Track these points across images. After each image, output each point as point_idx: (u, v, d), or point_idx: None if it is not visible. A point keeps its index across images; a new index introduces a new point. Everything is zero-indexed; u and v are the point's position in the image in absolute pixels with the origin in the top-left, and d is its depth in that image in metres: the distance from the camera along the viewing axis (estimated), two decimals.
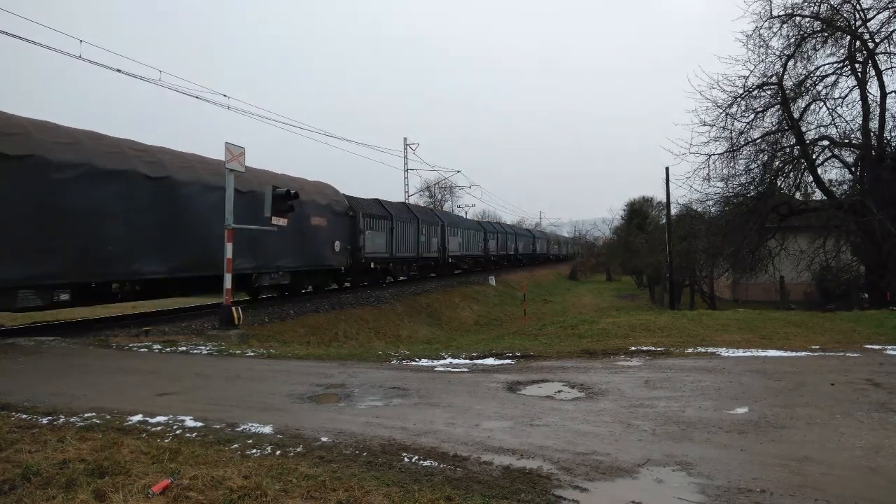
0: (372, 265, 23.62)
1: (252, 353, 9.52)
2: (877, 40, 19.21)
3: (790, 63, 19.91)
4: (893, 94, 19.89)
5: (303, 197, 16.30)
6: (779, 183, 21.41)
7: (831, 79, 20.23)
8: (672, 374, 7.20)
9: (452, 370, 7.81)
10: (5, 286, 10.11)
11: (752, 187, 21.05)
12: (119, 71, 16.02)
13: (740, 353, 8.92)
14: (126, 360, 8.66)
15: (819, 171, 21.18)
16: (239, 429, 4.76)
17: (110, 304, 13.59)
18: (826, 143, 20.84)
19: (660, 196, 47.33)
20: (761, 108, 20.45)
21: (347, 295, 21.84)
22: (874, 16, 19.08)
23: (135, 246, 12.28)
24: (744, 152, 20.85)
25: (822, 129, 21.02)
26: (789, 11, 19.59)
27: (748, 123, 20.48)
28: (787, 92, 19.95)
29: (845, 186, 21.66)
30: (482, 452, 4.17)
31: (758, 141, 20.77)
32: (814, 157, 20.85)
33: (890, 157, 19.53)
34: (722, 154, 20.76)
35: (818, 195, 22.87)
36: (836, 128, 20.69)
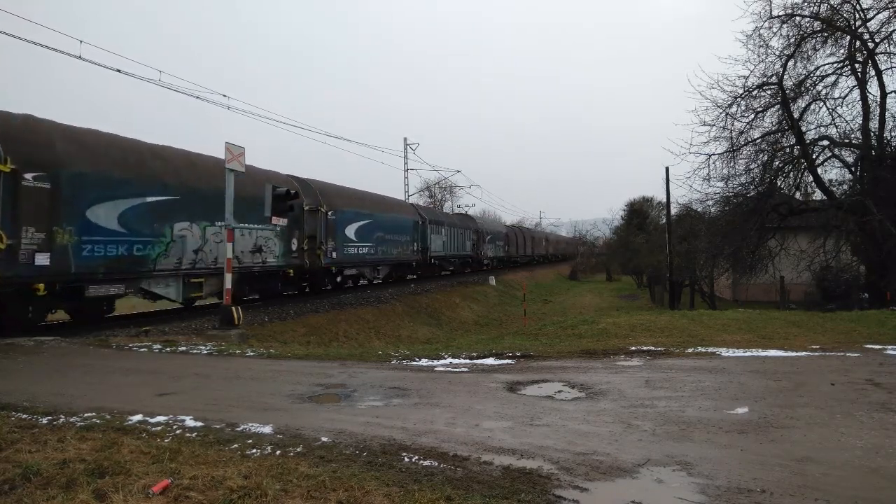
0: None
1: (252, 353, 9.52)
2: (877, 40, 19.22)
3: (790, 63, 19.93)
4: (893, 94, 19.94)
5: None
6: (779, 183, 21.43)
7: (831, 79, 20.28)
8: (672, 374, 7.19)
9: (452, 370, 7.81)
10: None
11: (752, 187, 21.06)
12: (119, 71, 16.00)
13: (740, 353, 8.91)
14: (126, 360, 8.66)
15: (819, 171, 21.22)
16: (239, 429, 4.76)
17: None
18: (826, 143, 20.86)
19: (660, 196, 47.36)
20: (761, 108, 20.47)
21: (348, 295, 21.85)
22: (874, 16, 19.12)
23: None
24: (744, 152, 20.89)
25: (822, 129, 21.07)
26: (789, 11, 19.62)
27: (748, 123, 20.52)
28: (787, 92, 19.95)
29: (845, 186, 21.68)
30: (482, 452, 4.16)
31: (758, 141, 20.79)
32: (814, 157, 20.86)
33: (890, 157, 19.54)
34: (722, 154, 20.80)
35: (818, 195, 22.89)
36: (836, 128, 20.74)
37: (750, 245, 21.05)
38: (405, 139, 44.87)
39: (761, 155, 20.96)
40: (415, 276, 30.58)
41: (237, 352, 9.66)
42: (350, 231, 21.60)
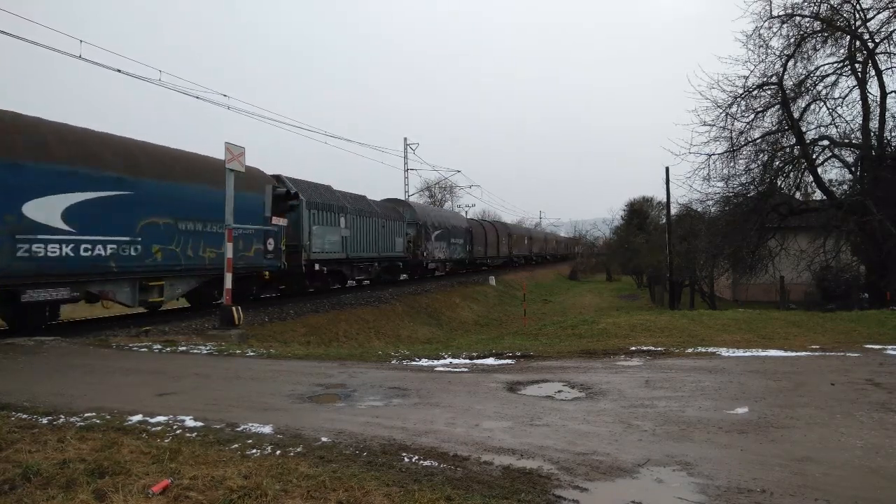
0: None
1: (252, 353, 9.52)
2: (877, 40, 19.22)
3: (790, 63, 19.93)
4: (893, 94, 19.94)
5: None
6: (779, 183, 21.43)
7: (831, 79, 20.28)
8: (672, 374, 7.19)
9: (452, 370, 7.81)
10: None
11: (752, 187, 21.06)
12: (119, 71, 16.01)
13: (740, 353, 8.91)
14: (126, 360, 8.66)
15: (819, 171, 21.21)
16: (239, 429, 4.76)
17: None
18: (826, 143, 20.86)
19: (660, 196, 47.32)
20: (761, 108, 20.47)
21: (348, 295, 21.85)
22: (874, 16, 19.12)
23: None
24: (744, 152, 20.90)
25: (822, 129, 21.07)
26: (789, 11, 19.61)
27: (748, 123, 20.52)
28: (787, 92, 19.95)
29: (845, 186, 21.67)
30: (482, 452, 4.16)
31: (758, 141, 20.80)
32: (814, 157, 20.86)
33: (890, 157, 19.54)
34: (722, 154, 20.80)
35: (818, 195, 22.89)
36: (836, 128, 20.75)
37: (750, 245, 21.04)
38: (405, 139, 44.80)
39: (761, 155, 20.97)
40: (275, 295, 19.14)
41: (237, 352, 9.66)
42: (49, 209, 11.06)
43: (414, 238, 28.57)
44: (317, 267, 19.75)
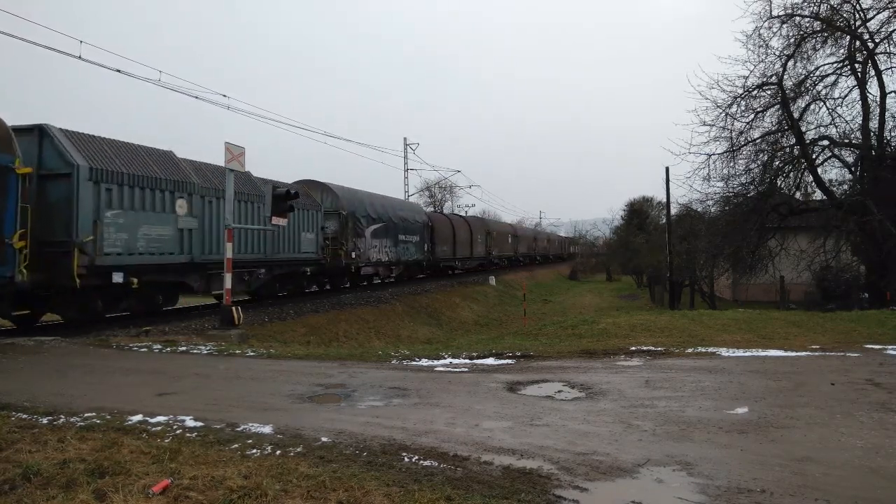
0: None
1: (252, 353, 9.52)
2: (877, 40, 19.21)
3: (790, 63, 19.90)
4: (893, 94, 19.90)
5: None
6: (779, 183, 21.41)
7: (831, 79, 20.24)
8: (672, 374, 7.19)
9: (452, 370, 7.81)
10: None
11: (752, 187, 21.04)
12: (119, 71, 15.99)
13: (740, 353, 8.91)
14: (126, 360, 8.66)
15: (819, 171, 21.18)
16: (239, 429, 4.76)
17: None
18: (826, 143, 20.84)
19: (660, 196, 47.20)
20: (761, 108, 20.44)
21: (348, 295, 21.86)
22: (874, 16, 19.10)
23: None
24: (744, 152, 20.86)
25: (822, 129, 21.04)
26: (789, 11, 19.59)
27: (748, 123, 20.49)
28: (787, 92, 19.94)
29: (845, 186, 21.65)
30: (482, 452, 4.16)
31: (758, 141, 20.77)
32: (814, 157, 20.84)
33: (890, 157, 19.52)
34: (722, 154, 20.77)
35: (818, 195, 22.87)
36: (836, 128, 20.72)
37: (750, 245, 21.03)
38: (405, 139, 44.74)
39: (761, 155, 20.94)
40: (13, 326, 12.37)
41: (237, 352, 9.66)
42: None
43: (336, 234, 21.19)
44: (117, 278, 12.11)
